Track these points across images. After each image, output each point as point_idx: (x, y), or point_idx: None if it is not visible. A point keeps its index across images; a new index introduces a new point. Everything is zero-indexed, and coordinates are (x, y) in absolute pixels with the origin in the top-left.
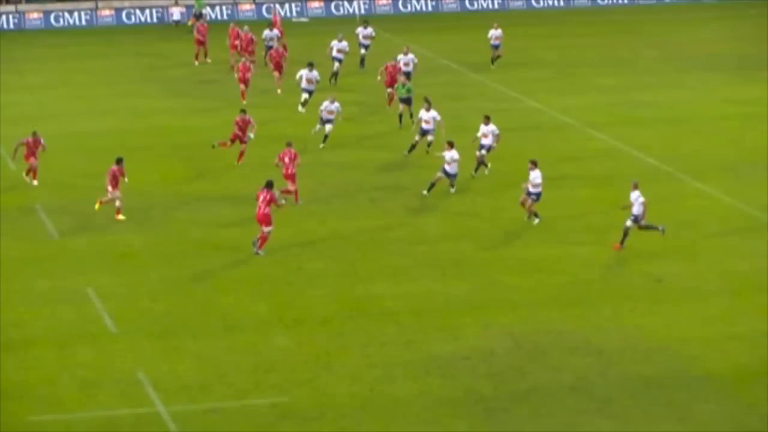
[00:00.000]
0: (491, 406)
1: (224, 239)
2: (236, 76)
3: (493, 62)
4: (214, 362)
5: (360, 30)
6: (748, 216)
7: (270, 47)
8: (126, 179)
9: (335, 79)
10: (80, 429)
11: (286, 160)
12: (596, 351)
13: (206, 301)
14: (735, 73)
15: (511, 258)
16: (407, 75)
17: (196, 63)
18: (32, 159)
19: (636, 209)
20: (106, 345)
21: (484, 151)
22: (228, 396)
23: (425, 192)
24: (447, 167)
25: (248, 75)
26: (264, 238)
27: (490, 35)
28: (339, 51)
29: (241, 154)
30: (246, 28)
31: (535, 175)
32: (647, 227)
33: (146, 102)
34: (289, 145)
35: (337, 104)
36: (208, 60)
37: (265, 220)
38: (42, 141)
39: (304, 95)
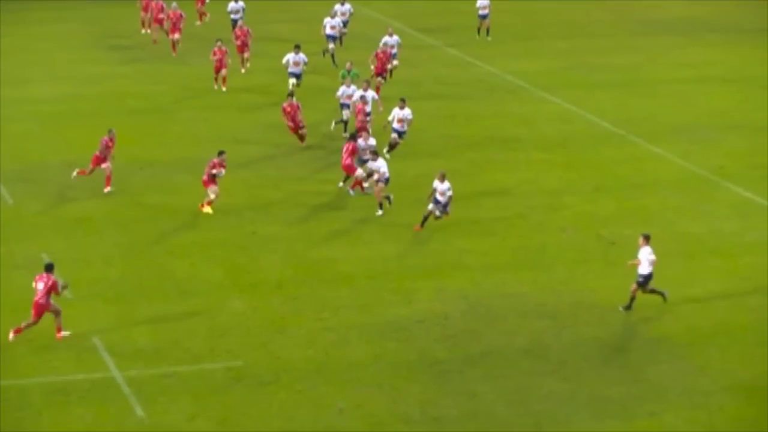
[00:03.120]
0: (446, 369)
1: (179, 204)
2: (213, 59)
3: (487, 33)
4: (168, 327)
5: (338, 7)
6: (702, 179)
7: (235, 21)
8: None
9: (333, 60)
10: (35, 394)
11: (360, 117)
12: (550, 314)
13: (161, 266)
14: (689, 36)
15: (464, 221)
16: (393, 57)
17: (143, 31)
18: (105, 164)
19: (443, 198)
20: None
21: (399, 139)
22: (183, 360)
23: (341, 184)
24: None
25: (225, 60)
26: (356, 182)
27: (478, 5)
28: (332, 28)
29: (302, 137)
30: (174, 4)
31: (378, 164)
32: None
33: (101, 68)
34: (363, 100)
35: (353, 87)
36: (144, 31)
37: (349, 169)
38: (114, 140)
39: (292, 80)
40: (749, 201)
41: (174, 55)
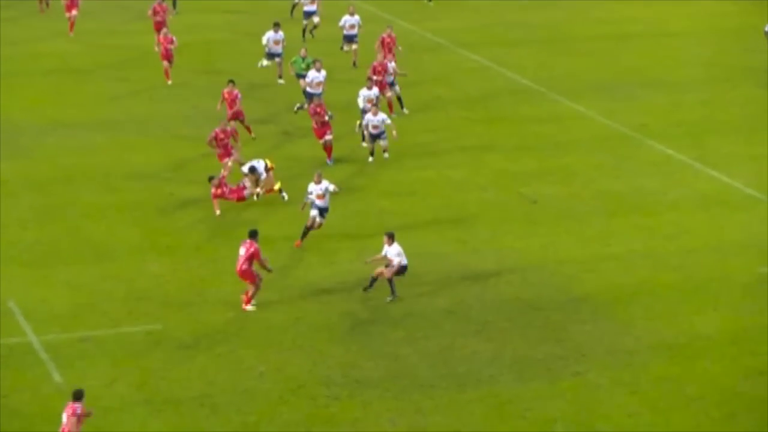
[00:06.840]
0: (367, 330)
1: (94, 166)
2: (152, 17)
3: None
4: (86, 290)
5: None
6: (623, 136)
7: None
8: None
9: (312, 34)
10: None
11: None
12: (473, 274)
13: (77, 228)
14: None
15: (385, 182)
16: (350, 39)
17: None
18: (228, 158)
19: (323, 202)
20: None
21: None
22: (101, 324)
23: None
24: None
25: (171, 48)
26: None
27: None
28: (312, 2)
29: (248, 128)
30: None
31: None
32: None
33: (13, 28)
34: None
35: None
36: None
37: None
38: (230, 130)
39: (266, 61)
40: (671, 158)
41: (71, 34)
